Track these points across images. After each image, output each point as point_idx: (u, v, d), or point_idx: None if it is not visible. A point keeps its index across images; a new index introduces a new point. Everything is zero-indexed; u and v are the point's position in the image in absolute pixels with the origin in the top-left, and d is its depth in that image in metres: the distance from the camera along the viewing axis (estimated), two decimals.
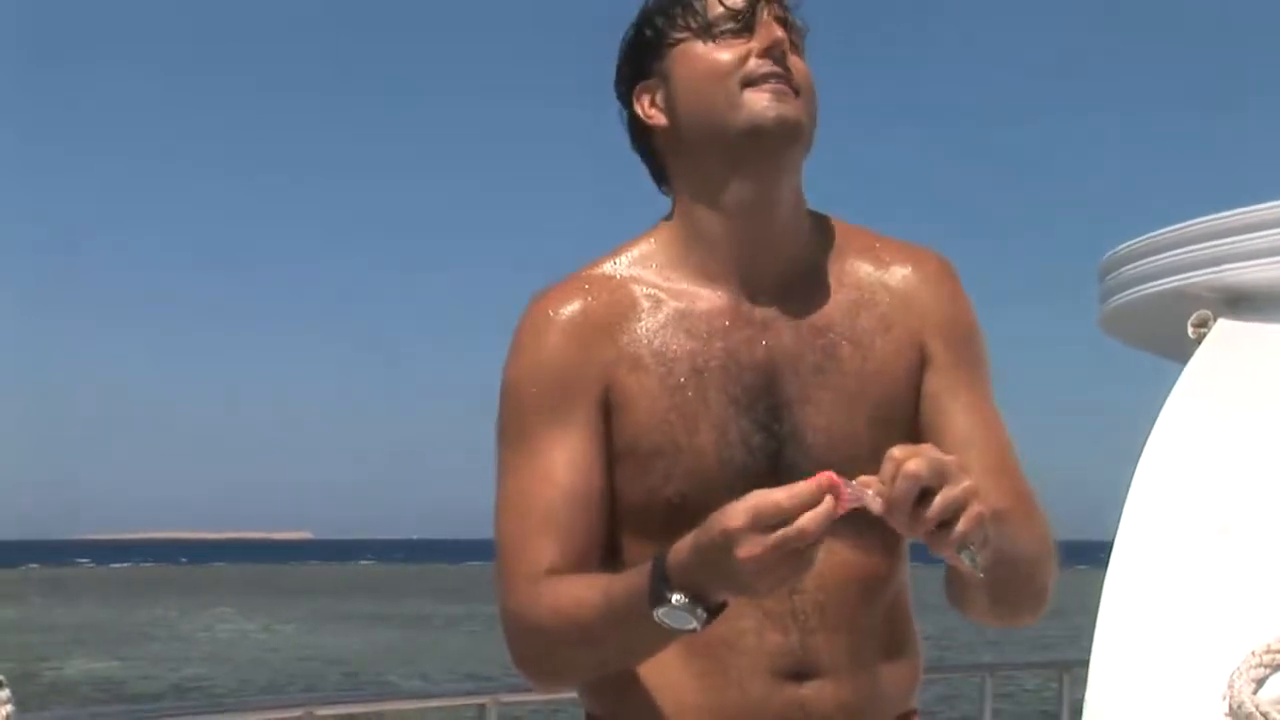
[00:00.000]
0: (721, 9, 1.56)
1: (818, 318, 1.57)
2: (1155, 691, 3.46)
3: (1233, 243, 3.86)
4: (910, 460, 1.28)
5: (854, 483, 1.31)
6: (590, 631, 1.46)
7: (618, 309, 1.58)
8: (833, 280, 1.60)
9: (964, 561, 1.30)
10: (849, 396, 1.55)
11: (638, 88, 1.60)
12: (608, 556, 1.57)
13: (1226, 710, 2.98)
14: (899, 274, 1.62)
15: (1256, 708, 2.91)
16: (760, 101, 1.53)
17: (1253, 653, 3.01)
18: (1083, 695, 3.72)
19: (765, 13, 1.55)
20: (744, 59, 1.54)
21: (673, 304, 1.57)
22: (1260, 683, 2.96)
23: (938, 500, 1.28)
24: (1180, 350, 4.08)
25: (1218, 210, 3.94)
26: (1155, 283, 4.12)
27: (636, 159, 1.66)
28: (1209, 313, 3.96)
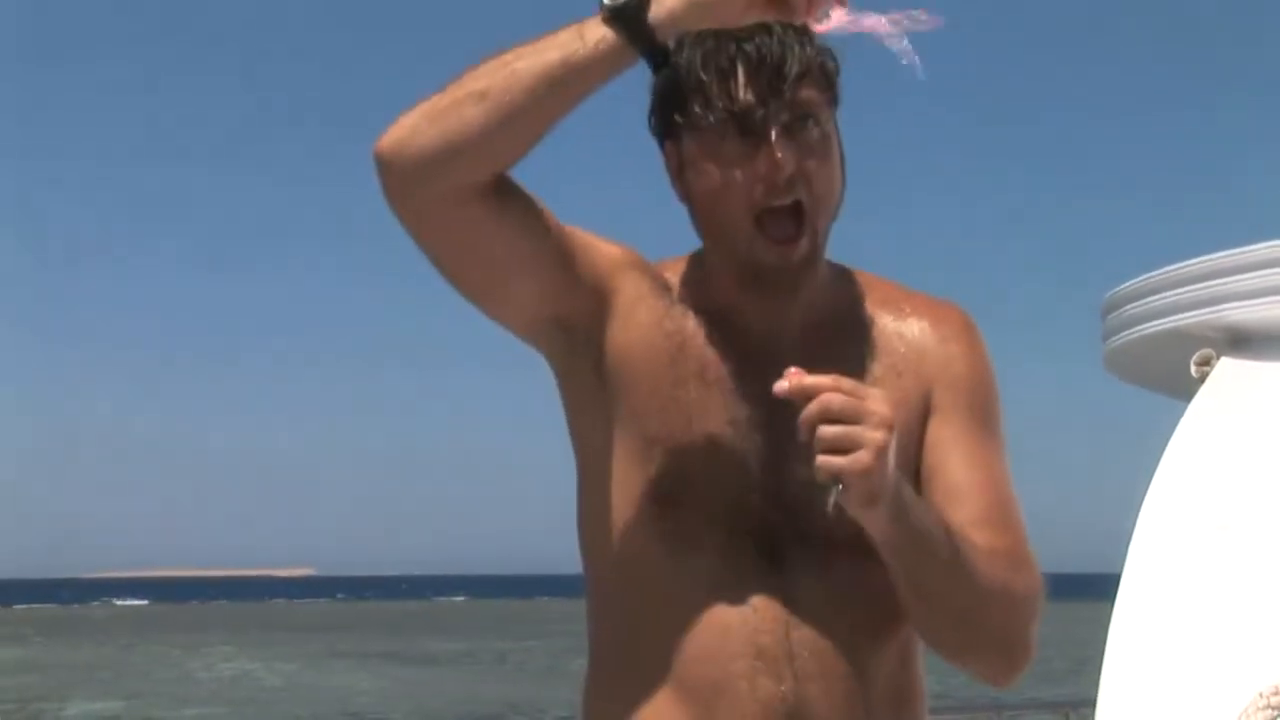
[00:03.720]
0: (726, 112, 1.51)
1: (828, 361, 1.55)
2: None
3: (1232, 282, 3.87)
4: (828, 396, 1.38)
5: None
6: (504, 60, 1.44)
7: (662, 287, 1.62)
8: (850, 328, 1.63)
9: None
10: None
11: (666, 143, 1.60)
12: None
13: None
14: (917, 326, 1.64)
15: None
16: (766, 251, 1.53)
17: (1260, 694, 3.00)
18: None
19: (774, 128, 1.50)
20: (751, 185, 1.51)
21: (700, 317, 1.60)
22: None
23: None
24: (1183, 388, 4.10)
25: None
26: (1156, 322, 4.13)
27: (653, 147, 1.64)
28: (1212, 352, 3.98)
